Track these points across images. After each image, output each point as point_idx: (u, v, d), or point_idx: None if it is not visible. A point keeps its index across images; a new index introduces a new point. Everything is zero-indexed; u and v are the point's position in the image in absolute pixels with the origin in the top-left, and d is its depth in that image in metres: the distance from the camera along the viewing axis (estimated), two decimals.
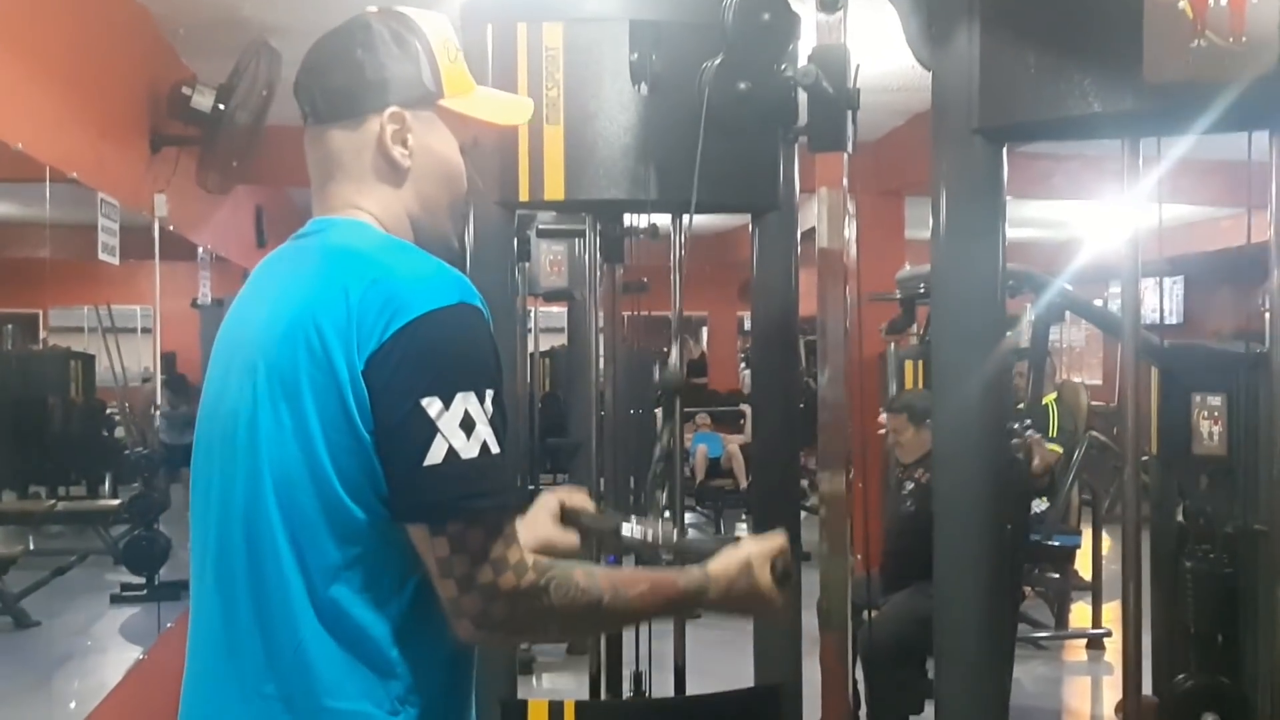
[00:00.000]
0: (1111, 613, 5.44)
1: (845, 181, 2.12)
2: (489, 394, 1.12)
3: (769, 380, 2.66)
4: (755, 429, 2.82)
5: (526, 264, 4.86)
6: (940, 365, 2.52)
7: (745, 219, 2.66)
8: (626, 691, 2.79)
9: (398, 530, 1.12)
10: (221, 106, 4.15)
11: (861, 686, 3.86)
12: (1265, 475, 2.70)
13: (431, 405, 1.09)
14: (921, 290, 4.58)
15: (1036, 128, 2.47)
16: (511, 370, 3.35)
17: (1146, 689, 2.88)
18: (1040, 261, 6.69)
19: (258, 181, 5.69)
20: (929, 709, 2.82)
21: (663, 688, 2.79)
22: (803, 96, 2.13)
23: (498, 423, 1.13)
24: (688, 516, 7.88)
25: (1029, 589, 5.62)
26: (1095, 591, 5.65)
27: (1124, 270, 2.51)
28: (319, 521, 1.12)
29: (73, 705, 3.31)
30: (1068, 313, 4.90)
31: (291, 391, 1.13)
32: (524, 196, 2.35)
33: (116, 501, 5.18)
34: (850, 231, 2.16)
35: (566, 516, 1.60)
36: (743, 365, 12.40)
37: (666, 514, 2.65)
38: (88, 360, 5.77)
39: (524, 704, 2.45)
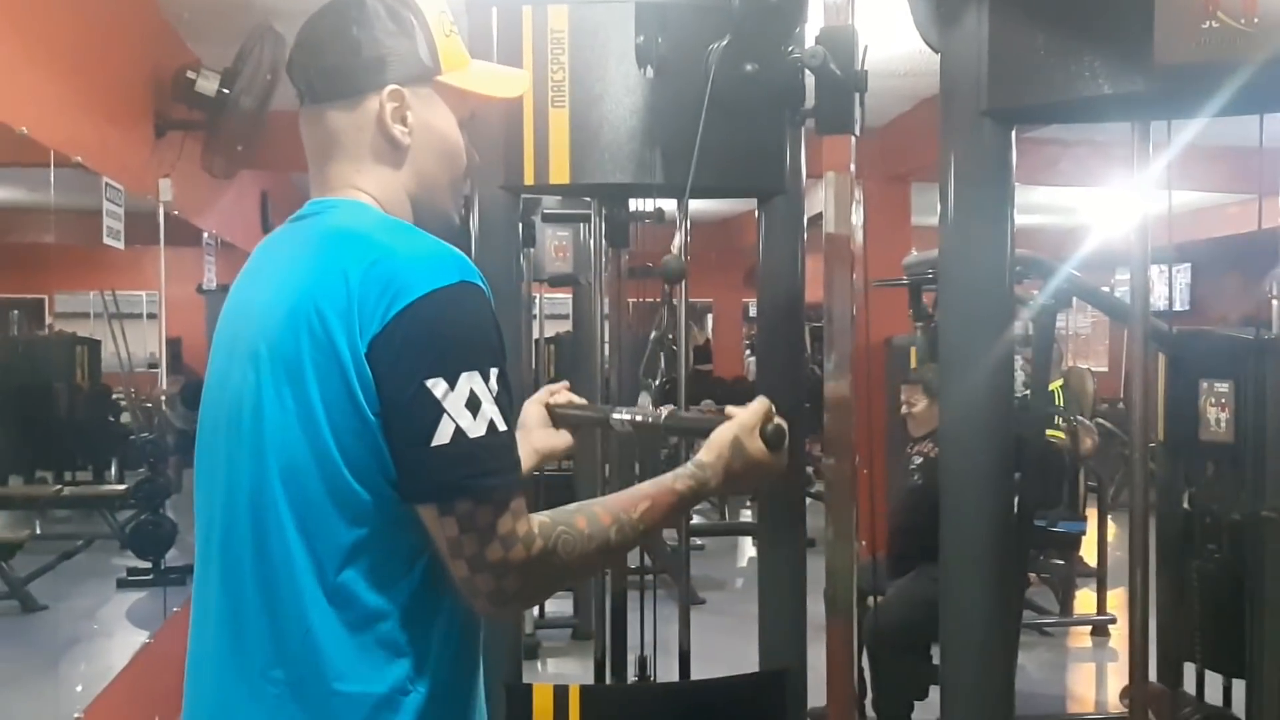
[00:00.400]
0: (1117, 599, 5.44)
1: (852, 166, 2.11)
2: (493, 372, 1.12)
3: (774, 367, 2.66)
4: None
5: (531, 249, 4.85)
6: (948, 350, 2.52)
7: (751, 204, 2.64)
8: (631, 676, 2.79)
9: (405, 511, 1.12)
10: (226, 91, 4.15)
11: (867, 672, 3.88)
12: (1273, 462, 2.69)
13: (437, 386, 1.09)
14: (929, 275, 4.56)
15: (1046, 110, 2.46)
16: (516, 356, 3.34)
17: (1152, 676, 2.88)
18: (1048, 248, 6.67)
19: (263, 166, 5.69)
20: (934, 694, 2.82)
21: (668, 672, 2.80)
22: (810, 79, 2.12)
23: (503, 400, 1.12)
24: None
25: (1034, 575, 5.62)
26: (1100, 578, 5.65)
27: (1132, 256, 2.49)
28: (326, 505, 1.12)
29: (79, 689, 3.32)
30: (1074, 299, 4.89)
31: (295, 376, 1.12)
32: (529, 180, 2.34)
33: (123, 486, 5.20)
34: (857, 217, 2.14)
35: (555, 417, 1.60)
36: (748, 352, 12.38)
37: (646, 396, 2.67)
38: (93, 345, 5.77)
39: (529, 688, 2.46)
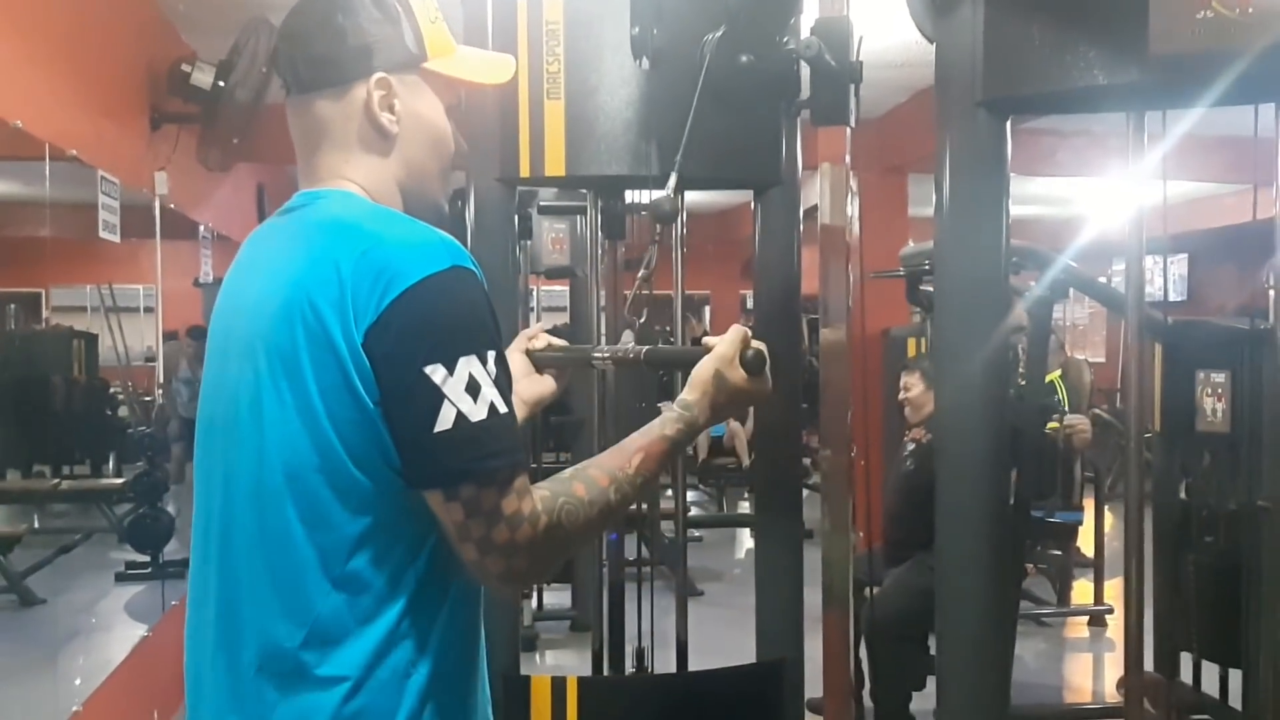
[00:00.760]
0: (1113, 589, 5.45)
1: (848, 157, 2.11)
2: (490, 355, 1.12)
3: (772, 358, 2.65)
4: (757, 408, 2.81)
5: (528, 242, 4.84)
6: (943, 341, 2.52)
7: (747, 196, 2.64)
8: (629, 668, 2.79)
9: (410, 498, 1.13)
10: (221, 84, 4.14)
11: (864, 663, 3.89)
12: (1268, 451, 2.69)
13: (435, 372, 1.09)
14: (925, 267, 4.56)
15: (1041, 100, 2.46)
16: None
17: (1149, 665, 2.89)
18: (1044, 239, 6.66)
19: (258, 159, 5.68)
20: (931, 685, 2.83)
21: (665, 664, 2.80)
22: (805, 70, 2.11)
23: (502, 382, 1.13)
24: (690, 495, 7.91)
25: (1031, 565, 5.63)
26: (1097, 568, 5.66)
27: (1128, 247, 2.50)
28: (330, 496, 1.12)
29: (78, 682, 3.33)
30: (1071, 290, 4.89)
31: (292, 370, 1.12)
32: (525, 172, 2.33)
33: (120, 480, 5.20)
34: (853, 208, 2.14)
35: (537, 362, 1.61)
36: None
37: (629, 334, 2.70)
38: (90, 339, 5.77)
39: (527, 680, 2.46)
